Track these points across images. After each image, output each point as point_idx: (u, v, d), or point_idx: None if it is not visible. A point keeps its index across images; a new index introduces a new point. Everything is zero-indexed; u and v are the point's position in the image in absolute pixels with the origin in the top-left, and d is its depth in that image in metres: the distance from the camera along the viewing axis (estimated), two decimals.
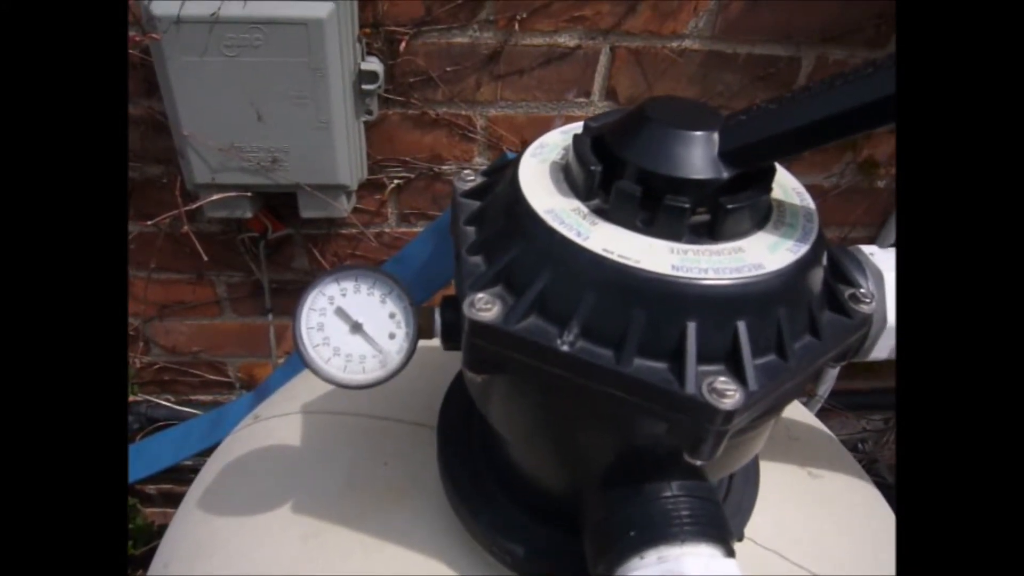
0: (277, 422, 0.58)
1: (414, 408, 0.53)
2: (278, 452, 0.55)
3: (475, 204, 0.35)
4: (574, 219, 0.29)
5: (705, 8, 0.80)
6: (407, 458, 0.49)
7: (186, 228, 0.78)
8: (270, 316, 1.01)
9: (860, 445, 1.26)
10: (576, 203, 0.31)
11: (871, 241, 1.03)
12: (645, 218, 0.29)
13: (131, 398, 1.06)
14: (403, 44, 0.79)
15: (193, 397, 1.13)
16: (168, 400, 1.11)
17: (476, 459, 0.42)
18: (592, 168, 0.30)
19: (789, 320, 0.28)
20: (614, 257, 0.27)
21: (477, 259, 0.32)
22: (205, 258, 0.82)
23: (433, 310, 0.34)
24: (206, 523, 0.52)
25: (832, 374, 1.08)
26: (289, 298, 1.01)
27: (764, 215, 0.31)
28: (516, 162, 0.34)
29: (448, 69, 0.82)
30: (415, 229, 0.96)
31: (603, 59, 0.84)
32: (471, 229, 0.34)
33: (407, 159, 0.89)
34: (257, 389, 0.86)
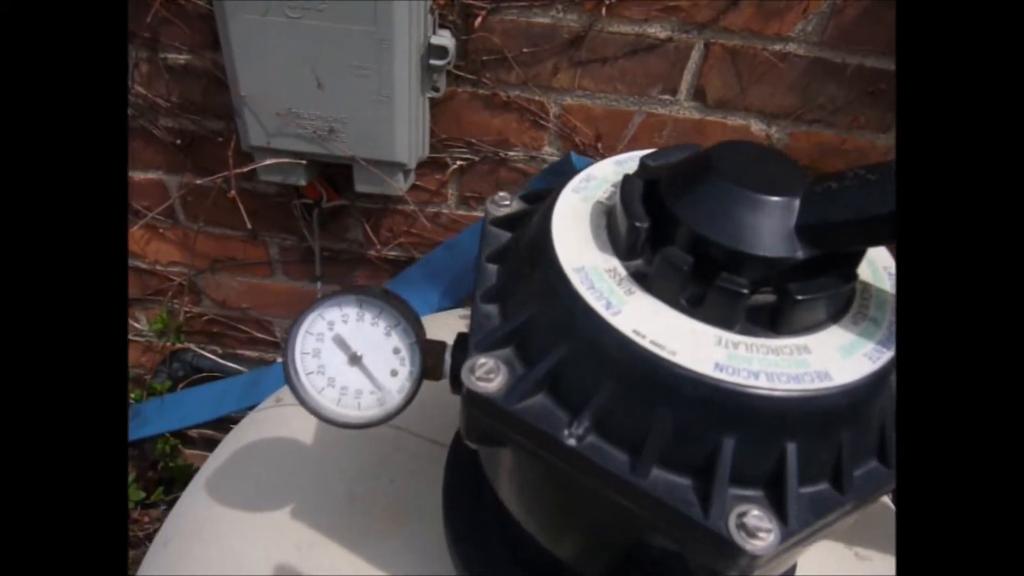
0: (295, 411, 0.57)
1: (433, 422, 0.50)
2: (289, 446, 0.53)
3: (504, 236, 0.30)
4: (607, 284, 0.24)
5: (817, 10, 0.72)
6: (414, 478, 0.47)
7: (232, 193, 0.76)
8: (319, 283, 0.99)
9: None
10: (614, 262, 0.25)
11: None
12: (693, 295, 0.24)
13: (179, 346, 1.08)
14: (479, 19, 0.74)
15: (239, 352, 1.13)
16: (215, 352, 1.11)
17: (481, 500, 0.38)
18: (637, 225, 0.25)
19: (852, 444, 0.23)
20: (645, 343, 0.22)
21: (491, 308, 0.27)
22: (249, 226, 0.80)
23: (444, 348, 0.30)
24: (209, 508, 0.51)
25: None
26: (340, 267, 0.99)
27: (843, 304, 0.25)
28: (555, 195, 0.29)
29: (525, 50, 0.77)
30: (475, 214, 0.92)
31: (695, 55, 0.77)
32: (493, 268, 0.29)
33: (472, 141, 0.84)
34: None
